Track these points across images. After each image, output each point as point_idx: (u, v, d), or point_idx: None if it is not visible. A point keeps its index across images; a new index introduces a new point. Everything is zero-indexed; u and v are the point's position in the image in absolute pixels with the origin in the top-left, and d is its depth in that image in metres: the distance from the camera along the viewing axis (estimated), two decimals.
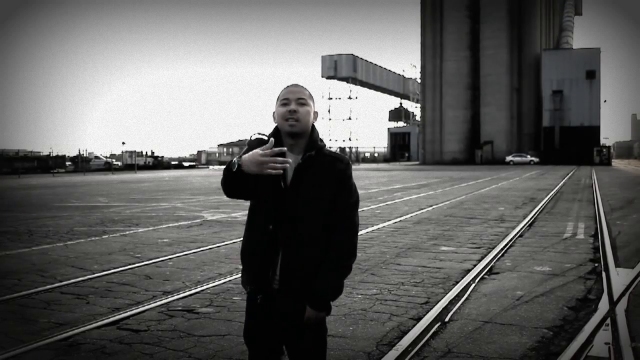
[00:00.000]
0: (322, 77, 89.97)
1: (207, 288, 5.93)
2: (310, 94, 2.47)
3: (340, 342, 4.26)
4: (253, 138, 2.45)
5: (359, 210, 2.54)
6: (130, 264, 7.26)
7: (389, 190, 21.98)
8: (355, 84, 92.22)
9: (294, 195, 2.38)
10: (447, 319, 4.82)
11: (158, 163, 64.29)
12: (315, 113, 2.48)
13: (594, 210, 14.07)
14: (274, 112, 2.46)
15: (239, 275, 6.44)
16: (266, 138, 2.39)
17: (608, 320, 4.77)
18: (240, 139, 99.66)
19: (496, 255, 7.81)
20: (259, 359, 2.51)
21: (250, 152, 2.30)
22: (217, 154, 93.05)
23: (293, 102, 2.39)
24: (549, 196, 18.40)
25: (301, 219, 2.38)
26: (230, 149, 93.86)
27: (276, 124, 2.44)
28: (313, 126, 2.46)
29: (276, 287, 2.41)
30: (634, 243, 8.93)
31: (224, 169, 2.37)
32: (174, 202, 16.74)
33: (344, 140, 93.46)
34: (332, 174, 2.41)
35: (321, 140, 2.47)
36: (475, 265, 7.09)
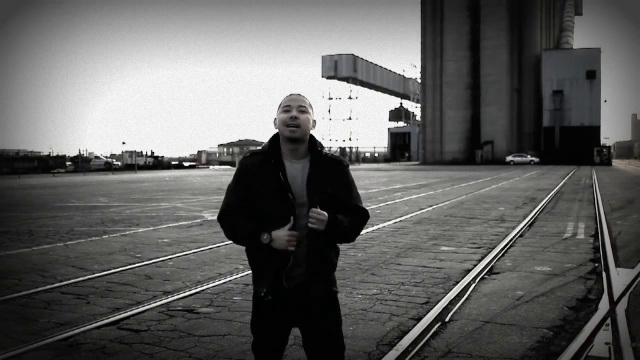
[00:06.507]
0: (322, 77, 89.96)
1: (207, 288, 5.93)
2: (310, 104, 2.61)
3: None
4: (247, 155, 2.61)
5: None
6: (130, 264, 7.26)
7: (389, 190, 21.98)
8: (356, 84, 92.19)
9: (312, 199, 2.48)
10: (447, 319, 4.82)
11: (158, 163, 64.28)
12: (314, 122, 2.60)
13: (594, 210, 14.07)
14: (275, 119, 2.58)
15: (239, 275, 6.46)
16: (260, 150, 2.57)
17: (608, 320, 4.77)
18: (241, 139, 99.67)
19: (496, 255, 7.81)
20: (266, 353, 2.61)
21: (279, 234, 2.43)
22: (217, 154, 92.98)
23: (294, 109, 2.52)
24: (549, 196, 18.39)
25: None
26: (231, 149, 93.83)
27: (277, 130, 2.57)
28: (311, 134, 2.58)
29: (288, 286, 2.50)
30: (634, 243, 8.93)
31: (248, 237, 2.48)
32: (174, 202, 16.75)
33: (344, 140, 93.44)
34: (338, 174, 2.57)
35: (320, 145, 2.60)
36: (475, 265, 7.09)
